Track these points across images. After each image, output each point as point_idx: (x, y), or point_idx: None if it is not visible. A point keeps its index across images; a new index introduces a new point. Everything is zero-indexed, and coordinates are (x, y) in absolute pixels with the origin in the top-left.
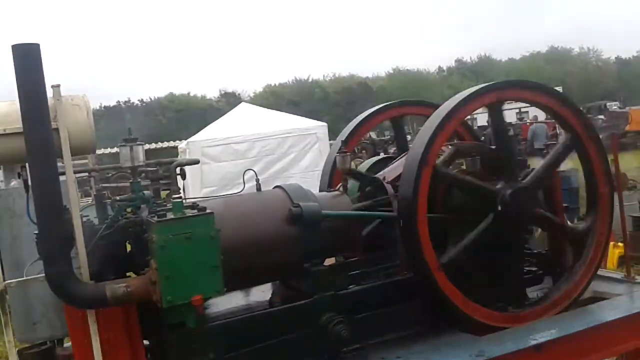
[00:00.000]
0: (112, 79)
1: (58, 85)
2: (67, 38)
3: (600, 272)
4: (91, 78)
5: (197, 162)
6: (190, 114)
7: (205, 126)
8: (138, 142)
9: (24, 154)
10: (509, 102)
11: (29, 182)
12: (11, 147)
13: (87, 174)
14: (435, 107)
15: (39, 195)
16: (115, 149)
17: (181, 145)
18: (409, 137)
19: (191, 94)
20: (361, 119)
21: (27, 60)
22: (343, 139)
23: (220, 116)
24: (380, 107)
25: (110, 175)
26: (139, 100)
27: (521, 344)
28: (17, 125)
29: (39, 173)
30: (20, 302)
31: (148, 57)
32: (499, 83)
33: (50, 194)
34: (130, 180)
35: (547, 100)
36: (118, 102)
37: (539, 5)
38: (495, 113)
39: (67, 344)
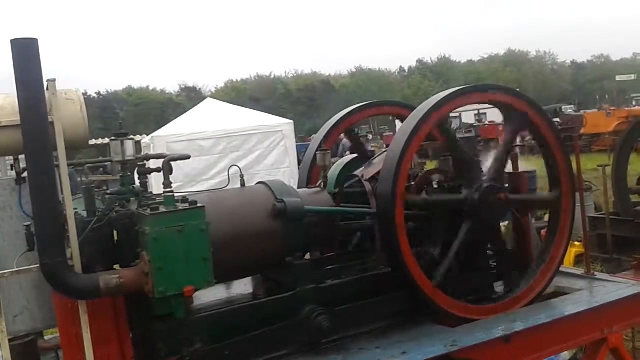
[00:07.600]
0: (68, 70)
1: (53, 80)
2: (20, 26)
3: (561, 268)
4: (45, 69)
5: (187, 157)
6: (149, 108)
7: (164, 120)
8: (128, 137)
9: (18, 145)
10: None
11: (23, 174)
12: (5, 139)
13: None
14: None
15: (35, 186)
16: None
17: (144, 139)
18: (369, 136)
19: (150, 88)
20: (338, 117)
21: (25, 54)
22: (321, 138)
23: (181, 111)
24: (358, 107)
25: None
26: (95, 92)
27: (491, 334)
28: (12, 117)
29: (36, 164)
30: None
31: (105, 49)
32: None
33: (47, 185)
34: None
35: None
36: None
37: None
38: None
39: (48, 336)
